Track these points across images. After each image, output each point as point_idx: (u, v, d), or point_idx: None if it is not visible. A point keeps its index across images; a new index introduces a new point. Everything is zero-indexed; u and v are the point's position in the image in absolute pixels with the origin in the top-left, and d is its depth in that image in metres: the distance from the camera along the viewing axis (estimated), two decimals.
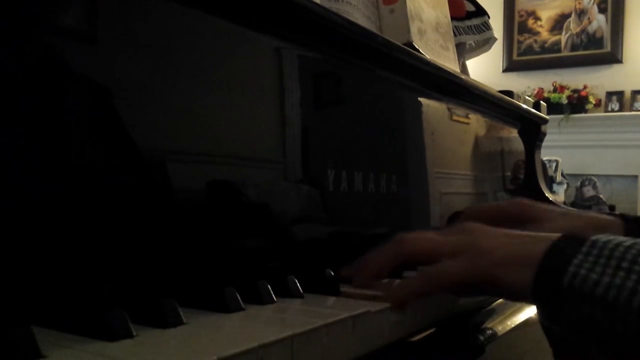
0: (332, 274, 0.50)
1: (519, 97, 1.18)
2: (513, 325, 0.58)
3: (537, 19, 5.10)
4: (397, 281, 0.50)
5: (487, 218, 0.54)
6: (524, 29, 5.14)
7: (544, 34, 5.07)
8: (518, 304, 0.63)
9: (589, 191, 4.60)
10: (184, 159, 0.48)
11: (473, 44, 1.26)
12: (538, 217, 0.60)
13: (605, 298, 0.38)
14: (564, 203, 1.73)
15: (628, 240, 0.41)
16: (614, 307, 0.38)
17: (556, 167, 4.54)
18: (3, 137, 0.36)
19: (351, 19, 0.68)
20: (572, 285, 0.40)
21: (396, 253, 0.49)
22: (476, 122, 1.03)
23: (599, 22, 4.83)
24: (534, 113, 1.20)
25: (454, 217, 0.90)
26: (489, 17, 1.24)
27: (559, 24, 5.00)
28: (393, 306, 0.44)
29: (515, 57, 5.14)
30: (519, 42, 5.14)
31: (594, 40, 4.85)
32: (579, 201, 4.52)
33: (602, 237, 0.42)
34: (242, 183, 0.53)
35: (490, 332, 0.55)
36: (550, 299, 0.41)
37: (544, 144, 1.28)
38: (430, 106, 0.87)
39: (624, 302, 0.37)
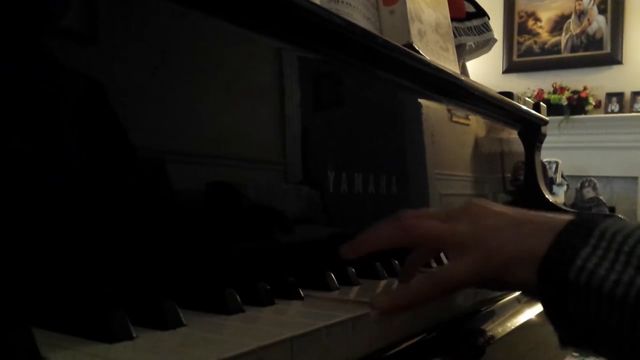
0: (332, 275, 0.50)
1: (518, 99, 1.18)
2: (513, 327, 0.58)
3: (537, 20, 5.10)
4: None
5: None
6: (523, 30, 5.14)
7: (544, 35, 5.07)
8: (518, 306, 0.63)
9: (589, 192, 4.60)
10: (184, 160, 0.48)
11: (473, 45, 1.26)
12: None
13: (613, 294, 0.37)
14: (564, 204, 1.73)
15: (636, 231, 0.39)
16: (622, 304, 0.36)
17: (556, 168, 4.54)
18: (4, 138, 0.36)
19: (351, 20, 0.68)
20: (579, 280, 0.38)
21: (398, 238, 0.47)
22: (476, 124, 1.03)
23: (598, 23, 4.83)
24: (533, 114, 1.20)
25: None
26: (489, 18, 1.24)
27: (558, 25, 5.01)
28: (396, 312, 0.43)
29: (515, 58, 5.14)
30: (519, 43, 5.14)
31: (593, 42, 4.85)
32: (579, 203, 4.52)
33: (611, 226, 0.40)
34: (242, 184, 0.53)
35: (490, 334, 0.55)
36: (555, 293, 0.40)
37: (543, 145, 1.28)
38: (430, 107, 0.87)
39: (633, 300, 0.36)
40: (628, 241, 0.38)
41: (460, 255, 0.44)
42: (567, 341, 0.42)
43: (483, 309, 0.60)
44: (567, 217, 0.42)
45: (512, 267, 0.42)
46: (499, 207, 0.47)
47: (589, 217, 0.42)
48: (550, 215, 0.44)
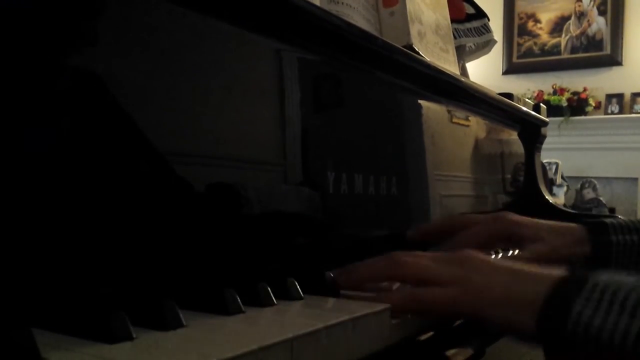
0: (332, 275, 0.50)
1: (518, 100, 1.18)
2: None
3: (537, 21, 5.10)
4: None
5: (477, 244, 0.58)
6: (523, 31, 5.15)
7: (544, 37, 5.07)
8: None
9: (589, 193, 4.60)
10: (183, 160, 0.48)
11: (473, 46, 1.26)
12: (525, 237, 0.65)
13: (612, 342, 0.38)
14: (564, 205, 1.73)
15: (629, 280, 0.41)
16: (620, 351, 0.38)
17: (556, 169, 4.54)
18: (4, 138, 0.36)
19: (351, 21, 0.68)
20: (576, 332, 0.39)
21: (392, 272, 0.49)
22: (476, 125, 1.03)
23: (598, 24, 4.83)
24: (533, 115, 1.20)
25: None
26: (488, 20, 1.24)
27: (558, 26, 5.01)
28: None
29: (515, 59, 5.15)
30: (519, 44, 5.15)
31: (593, 43, 4.85)
32: (579, 203, 4.52)
33: (603, 278, 0.41)
34: (242, 185, 0.53)
35: (491, 334, 0.55)
36: (555, 343, 0.41)
37: (544, 146, 1.28)
38: (430, 108, 0.87)
39: (631, 346, 0.37)
40: (620, 290, 0.40)
41: (447, 287, 0.46)
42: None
43: None
44: (558, 272, 0.44)
45: (497, 308, 0.44)
46: (489, 257, 0.49)
47: (581, 270, 0.44)
48: (540, 268, 0.46)
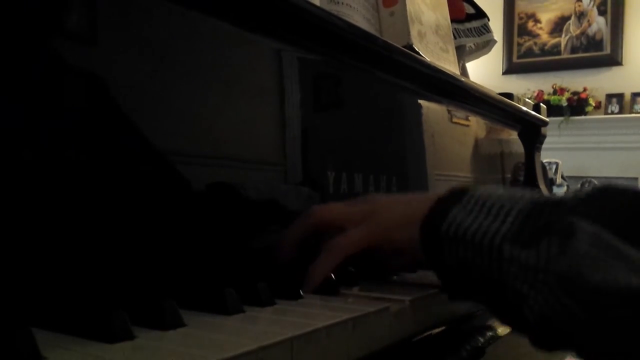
0: (332, 275, 0.50)
1: (518, 100, 1.18)
2: None
3: (537, 21, 5.10)
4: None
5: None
6: (523, 31, 5.14)
7: (544, 37, 5.07)
8: None
9: None
10: (183, 160, 0.48)
11: (473, 46, 1.26)
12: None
13: (474, 239, 0.44)
14: None
15: (499, 192, 0.46)
16: (480, 247, 0.43)
17: (556, 169, 4.54)
18: (4, 138, 0.36)
19: (351, 21, 0.68)
20: (449, 232, 0.45)
21: (308, 224, 0.53)
22: (476, 125, 1.03)
23: (598, 24, 4.83)
24: (533, 115, 1.20)
25: None
26: (488, 20, 1.24)
27: (558, 26, 5.01)
28: (315, 286, 0.47)
29: (515, 59, 5.15)
30: (519, 44, 5.15)
31: (593, 43, 4.85)
32: None
33: (481, 189, 0.47)
34: (242, 185, 0.53)
35: (491, 334, 0.55)
36: (431, 246, 0.46)
37: (544, 146, 1.28)
38: (430, 108, 0.87)
39: (488, 242, 0.43)
40: (491, 197, 0.45)
41: (357, 226, 0.51)
42: (451, 292, 0.49)
43: (483, 309, 0.60)
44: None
45: (399, 229, 0.50)
46: (392, 195, 0.55)
47: (465, 186, 0.49)
48: (435, 192, 0.53)
